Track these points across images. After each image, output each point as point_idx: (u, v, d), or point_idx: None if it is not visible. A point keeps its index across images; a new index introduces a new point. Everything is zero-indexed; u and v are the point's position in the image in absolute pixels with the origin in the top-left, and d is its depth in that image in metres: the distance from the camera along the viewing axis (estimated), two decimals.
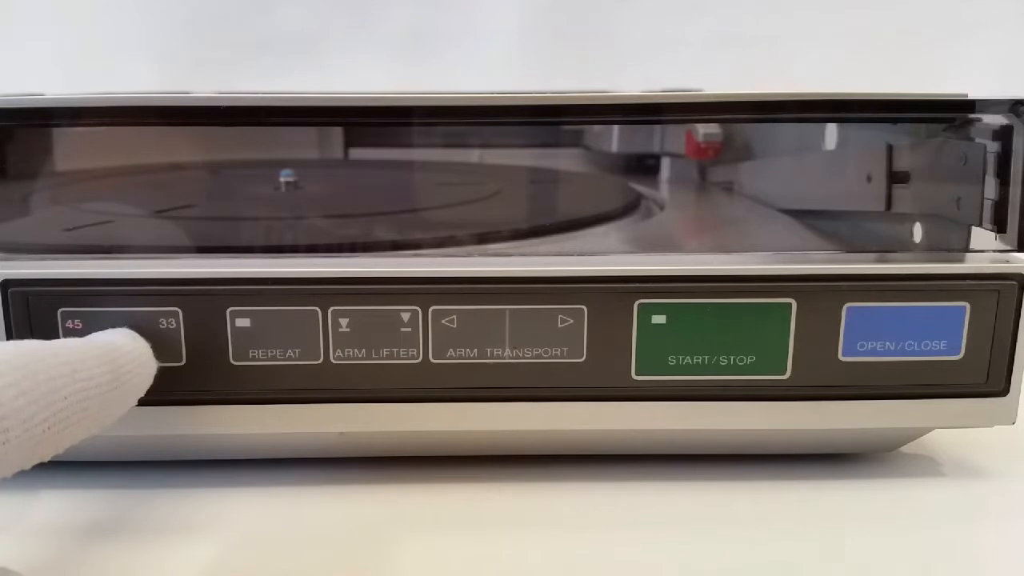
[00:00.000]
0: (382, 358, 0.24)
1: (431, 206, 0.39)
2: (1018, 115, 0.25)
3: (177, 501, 0.25)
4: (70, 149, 0.43)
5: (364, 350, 0.24)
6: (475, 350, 0.24)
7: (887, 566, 0.22)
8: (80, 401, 0.18)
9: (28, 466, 0.17)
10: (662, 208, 0.39)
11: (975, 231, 0.26)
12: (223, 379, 0.24)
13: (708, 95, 0.27)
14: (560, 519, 0.25)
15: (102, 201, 0.38)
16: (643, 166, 0.52)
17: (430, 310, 0.24)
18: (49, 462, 0.18)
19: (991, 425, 0.26)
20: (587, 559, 0.23)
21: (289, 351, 0.24)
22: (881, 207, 0.30)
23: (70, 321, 0.24)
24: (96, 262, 0.24)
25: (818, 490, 0.26)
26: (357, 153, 0.52)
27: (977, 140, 0.26)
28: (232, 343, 0.24)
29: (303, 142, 0.52)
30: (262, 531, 0.24)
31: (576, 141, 0.55)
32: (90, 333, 0.23)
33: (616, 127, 0.52)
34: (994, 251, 0.26)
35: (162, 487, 0.26)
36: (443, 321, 0.24)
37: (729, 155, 0.45)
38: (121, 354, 0.21)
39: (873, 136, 0.31)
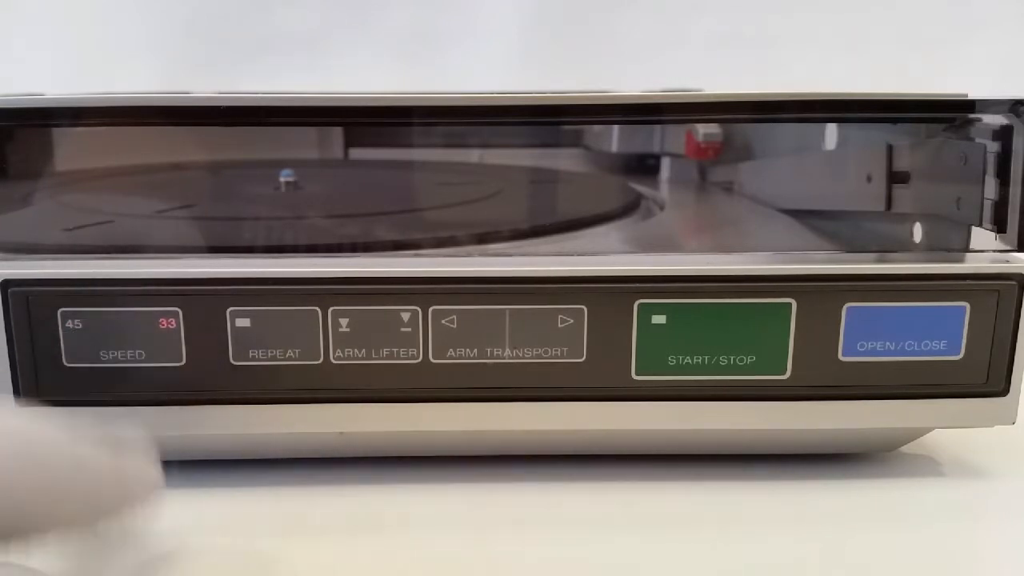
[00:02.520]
0: (382, 358, 0.24)
1: (431, 206, 0.39)
2: (1018, 115, 0.25)
3: (175, 501, 0.25)
4: (70, 149, 0.43)
5: (364, 350, 0.24)
6: (475, 350, 0.24)
7: (887, 566, 0.22)
8: (70, 477, 0.18)
9: (13, 537, 0.17)
10: (662, 208, 0.39)
11: (975, 231, 0.26)
12: (223, 379, 0.24)
13: (708, 95, 0.27)
14: (559, 519, 0.25)
15: (102, 201, 0.38)
16: (643, 166, 0.52)
17: (430, 310, 0.24)
18: None
19: (991, 425, 0.26)
20: (587, 559, 0.23)
21: (289, 351, 0.24)
22: (881, 207, 0.30)
23: (70, 321, 0.24)
24: (96, 262, 0.24)
25: (818, 490, 0.26)
26: (357, 153, 0.52)
27: (977, 140, 0.26)
28: (232, 343, 0.24)
29: (303, 142, 0.52)
30: (260, 531, 0.24)
31: (576, 141, 0.55)
32: (89, 333, 0.23)
33: (616, 127, 0.52)
34: (994, 251, 0.26)
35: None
36: (443, 321, 0.24)
37: (729, 155, 0.45)
38: (126, 454, 0.20)
39: (873, 136, 0.31)
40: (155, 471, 0.21)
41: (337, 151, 0.52)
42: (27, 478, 0.17)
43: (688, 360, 0.25)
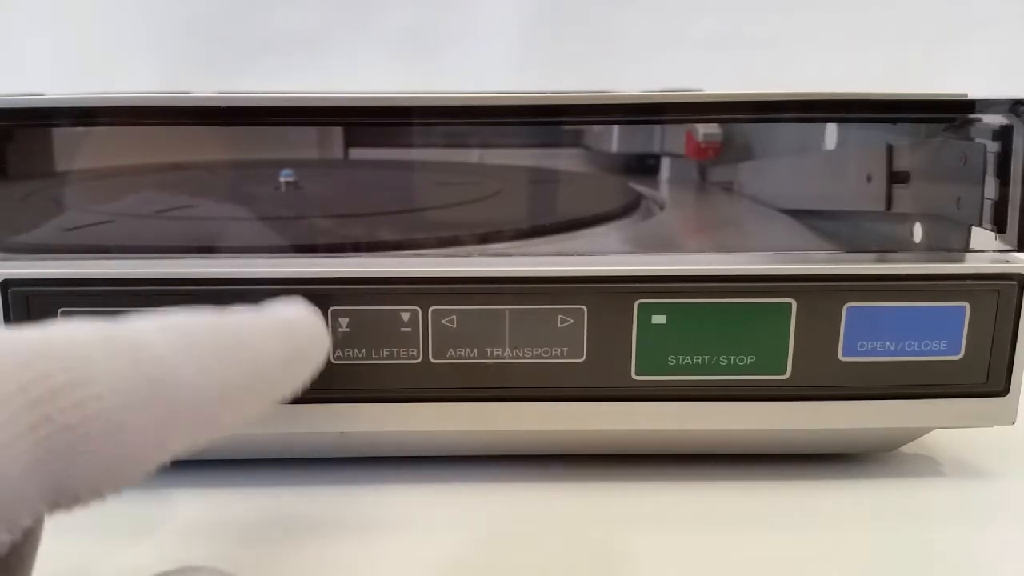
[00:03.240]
0: (382, 358, 0.24)
1: (431, 206, 0.39)
2: (1018, 115, 0.25)
3: (174, 502, 0.25)
4: (70, 149, 0.43)
5: (364, 350, 0.24)
6: (475, 350, 0.24)
7: (887, 566, 0.22)
8: (254, 372, 0.17)
9: (199, 445, 0.16)
10: (662, 208, 0.39)
11: (975, 231, 0.26)
12: None
13: (708, 95, 0.27)
14: (559, 519, 0.25)
15: (102, 201, 0.38)
16: (643, 166, 0.52)
17: (430, 310, 0.24)
18: None
19: (991, 425, 0.26)
20: (586, 558, 0.23)
21: None
22: (881, 207, 0.30)
23: None
24: (96, 262, 0.24)
25: (818, 490, 0.26)
26: (357, 153, 0.52)
27: (977, 140, 0.26)
28: None
29: (303, 142, 0.52)
30: (259, 531, 0.24)
31: (576, 141, 0.55)
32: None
33: (616, 127, 0.52)
34: (994, 251, 0.26)
35: (156, 487, 0.26)
36: (443, 321, 0.24)
37: (729, 155, 0.45)
38: (296, 326, 0.19)
39: (873, 136, 0.31)
40: (318, 320, 0.20)
41: (337, 151, 0.52)
42: (230, 362, 0.17)
43: (688, 360, 0.25)
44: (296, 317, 0.20)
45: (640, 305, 0.24)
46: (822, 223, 0.34)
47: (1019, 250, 0.25)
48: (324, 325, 0.21)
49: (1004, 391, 0.25)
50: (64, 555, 0.21)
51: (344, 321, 0.24)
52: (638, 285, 0.24)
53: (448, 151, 0.52)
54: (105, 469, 0.13)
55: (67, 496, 0.13)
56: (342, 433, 0.26)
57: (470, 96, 0.25)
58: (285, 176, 0.38)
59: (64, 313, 0.24)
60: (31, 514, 0.13)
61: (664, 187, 0.48)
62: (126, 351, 0.14)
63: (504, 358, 0.25)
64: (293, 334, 0.19)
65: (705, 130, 0.45)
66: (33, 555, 0.15)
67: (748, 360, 0.25)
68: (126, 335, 0.15)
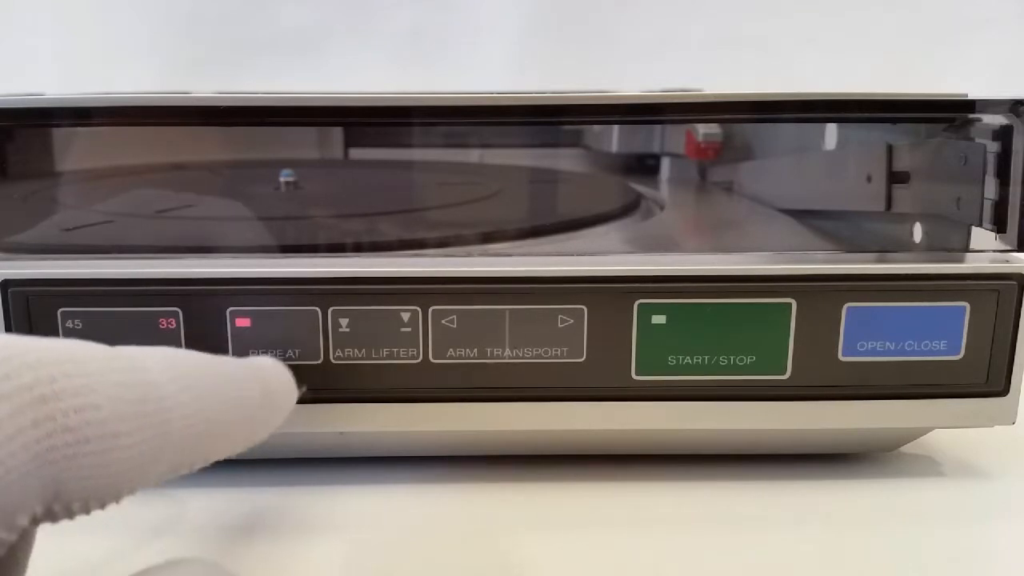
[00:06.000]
0: (382, 358, 0.24)
1: (431, 206, 0.39)
2: (1018, 115, 0.25)
3: (172, 501, 0.25)
4: (70, 149, 0.43)
5: (364, 350, 0.24)
6: (475, 350, 0.24)
7: (887, 566, 0.22)
8: (235, 408, 0.18)
9: (183, 471, 0.17)
10: (662, 208, 0.39)
11: (975, 231, 0.26)
12: None
13: (708, 95, 0.27)
14: (559, 519, 0.25)
15: (102, 201, 0.38)
16: (643, 166, 0.52)
17: (430, 310, 0.24)
18: None
19: (991, 425, 0.26)
20: (585, 559, 0.23)
21: (289, 351, 0.24)
22: (881, 207, 0.30)
23: (70, 321, 0.24)
24: (96, 262, 0.24)
25: (818, 490, 0.26)
26: (357, 153, 0.52)
27: (977, 140, 0.26)
28: (232, 343, 0.24)
29: (303, 142, 0.52)
30: (259, 531, 0.24)
31: (576, 141, 0.55)
32: (89, 333, 0.23)
33: (616, 127, 0.52)
34: (994, 251, 0.26)
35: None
36: (443, 321, 0.24)
37: (729, 155, 0.45)
38: (269, 375, 0.21)
39: (873, 136, 0.31)
40: (288, 374, 0.22)
41: (337, 151, 0.52)
42: (214, 406, 0.18)
43: (688, 360, 0.25)
44: (269, 365, 0.21)
45: (640, 305, 0.24)
46: (822, 223, 0.34)
47: (1019, 250, 0.25)
48: (292, 376, 0.22)
49: (1004, 391, 0.25)
50: (64, 554, 0.21)
51: (344, 321, 0.24)
52: (638, 285, 0.24)
53: (448, 151, 0.52)
54: (97, 475, 0.14)
55: (61, 500, 0.14)
56: (342, 433, 0.26)
57: (470, 96, 0.25)
58: (285, 176, 0.38)
59: (64, 313, 0.24)
60: (29, 513, 0.13)
61: (664, 187, 0.48)
62: (124, 369, 0.15)
63: (504, 358, 0.25)
64: (267, 380, 0.21)
65: (705, 130, 0.45)
66: (25, 563, 0.15)
67: (748, 360, 0.25)
68: (125, 356, 0.16)
